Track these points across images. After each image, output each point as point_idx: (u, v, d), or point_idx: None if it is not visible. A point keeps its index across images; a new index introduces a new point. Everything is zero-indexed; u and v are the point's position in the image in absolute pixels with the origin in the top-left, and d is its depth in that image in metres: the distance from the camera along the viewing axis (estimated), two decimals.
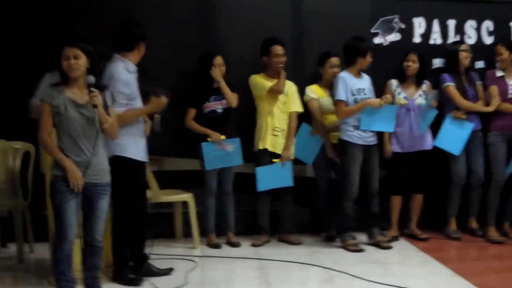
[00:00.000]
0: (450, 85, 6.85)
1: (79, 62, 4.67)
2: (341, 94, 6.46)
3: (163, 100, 5.46)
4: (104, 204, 4.86)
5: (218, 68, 6.61)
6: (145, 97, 5.53)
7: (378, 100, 6.47)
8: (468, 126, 6.83)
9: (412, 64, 6.79)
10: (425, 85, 6.89)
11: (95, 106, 4.67)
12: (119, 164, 5.25)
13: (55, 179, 4.67)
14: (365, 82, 6.60)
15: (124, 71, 5.42)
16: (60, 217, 4.67)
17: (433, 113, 6.74)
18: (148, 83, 5.58)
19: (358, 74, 6.58)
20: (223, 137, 6.57)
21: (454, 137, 6.83)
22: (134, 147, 5.44)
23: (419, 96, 6.81)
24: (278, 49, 6.67)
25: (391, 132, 6.73)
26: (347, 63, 6.59)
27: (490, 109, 6.88)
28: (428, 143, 6.87)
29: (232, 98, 6.61)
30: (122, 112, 5.27)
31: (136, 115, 5.45)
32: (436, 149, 6.91)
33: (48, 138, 4.69)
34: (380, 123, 6.52)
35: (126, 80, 5.39)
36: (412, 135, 6.79)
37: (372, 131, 6.55)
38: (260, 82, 6.72)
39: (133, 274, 5.62)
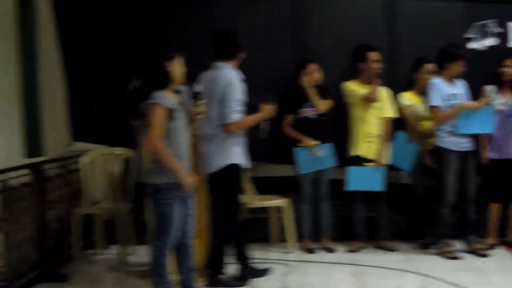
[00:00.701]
0: None
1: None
2: (435, 100, 6.41)
3: (274, 106, 5.59)
4: (193, 203, 5.04)
5: (310, 75, 6.67)
6: (252, 106, 5.66)
7: (473, 102, 6.38)
8: None
9: (509, 70, 6.66)
10: None
11: (200, 114, 4.81)
12: (230, 171, 5.49)
13: (166, 186, 4.79)
14: (458, 88, 6.51)
15: (237, 78, 5.59)
16: (168, 222, 4.84)
17: (491, 109, 6.55)
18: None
19: (450, 80, 6.50)
20: (315, 142, 6.63)
21: None
22: (243, 156, 5.65)
23: None
24: (374, 55, 6.68)
25: (489, 136, 6.60)
26: (440, 69, 6.54)
27: None
28: None
29: (319, 105, 6.65)
30: (241, 118, 5.48)
31: (254, 120, 5.63)
32: None
33: (163, 143, 4.76)
34: (478, 125, 6.40)
35: (241, 88, 5.56)
36: (510, 141, 6.66)
37: (468, 137, 6.46)
38: (353, 89, 6.74)
39: (237, 275, 5.80)
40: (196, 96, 4.93)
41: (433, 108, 6.44)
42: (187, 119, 4.95)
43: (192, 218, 5.09)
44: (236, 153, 5.57)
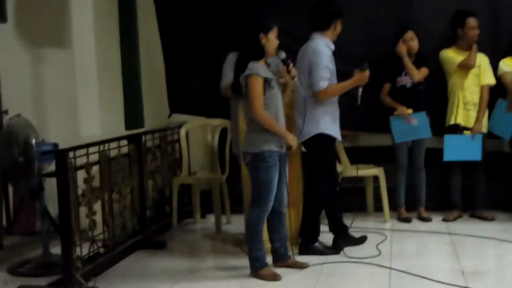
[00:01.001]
0: None
1: None
2: None
3: (366, 73, 5.56)
4: (287, 170, 5.11)
5: (407, 42, 6.58)
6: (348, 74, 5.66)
7: None
8: None
9: None
10: None
11: (293, 77, 4.89)
12: (320, 140, 5.54)
13: (269, 154, 4.91)
14: None
15: (327, 48, 5.61)
16: (269, 189, 4.94)
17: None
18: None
19: None
20: (410, 111, 6.56)
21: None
22: (334, 125, 5.65)
23: None
24: (473, 21, 6.52)
25: None
26: None
27: None
28: None
29: (415, 73, 6.55)
30: (330, 85, 5.51)
31: (344, 87, 5.63)
32: None
33: (266, 112, 4.90)
34: None
35: (329, 56, 5.59)
36: None
37: None
38: (451, 57, 6.61)
39: (334, 243, 5.82)
40: (284, 62, 4.97)
41: None
42: (280, 88, 5.03)
43: (286, 186, 5.15)
44: (326, 123, 5.57)
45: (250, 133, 5.02)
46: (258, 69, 4.87)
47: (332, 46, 5.65)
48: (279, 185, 5.01)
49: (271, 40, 4.93)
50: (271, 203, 4.97)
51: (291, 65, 4.97)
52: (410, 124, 6.56)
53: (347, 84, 5.59)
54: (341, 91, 5.61)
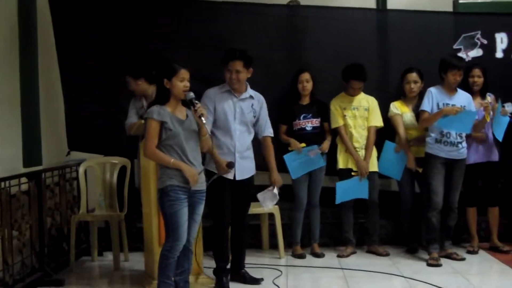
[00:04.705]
0: None
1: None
2: (425, 105, 6.59)
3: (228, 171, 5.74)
4: (201, 209, 5.25)
5: (302, 83, 6.84)
6: None
7: (453, 108, 6.46)
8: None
9: (478, 79, 6.86)
10: (490, 98, 6.91)
11: (202, 116, 5.06)
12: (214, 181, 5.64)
13: (171, 189, 5.02)
14: (459, 99, 6.62)
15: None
16: (177, 224, 5.02)
17: (506, 120, 6.76)
18: None
19: (451, 91, 6.64)
20: (302, 144, 6.79)
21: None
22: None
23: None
24: (357, 83, 6.90)
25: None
26: (440, 79, 6.67)
27: None
28: (496, 155, 6.93)
29: (325, 147, 6.91)
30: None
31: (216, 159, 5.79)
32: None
33: (158, 150, 5.05)
34: (456, 127, 6.49)
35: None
36: (480, 146, 6.90)
37: (457, 146, 6.57)
38: (334, 114, 6.96)
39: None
40: (191, 103, 5.12)
41: (421, 112, 6.64)
42: (194, 126, 5.18)
43: (197, 224, 5.28)
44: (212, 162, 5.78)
45: (159, 170, 5.18)
46: (153, 112, 5.03)
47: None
48: (189, 221, 5.11)
49: (175, 84, 5.08)
50: (181, 238, 5.04)
51: (197, 105, 5.12)
52: (305, 157, 6.78)
53: (218, 160, 5.72)
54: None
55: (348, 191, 6.87)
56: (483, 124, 6.70)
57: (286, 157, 6.81)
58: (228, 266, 6.02)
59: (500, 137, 6.76)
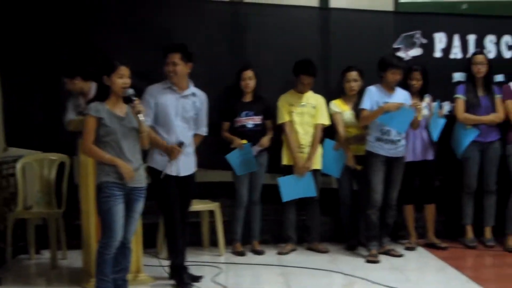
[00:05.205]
0: (458, 97, 7.04)
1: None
2: (364, 103, 6.65)
3: (178, 150, 5.72)
4: (140, 207, 5.21)
5: (245, 81, 6.87)
6: None
7: (395, 104, 6.51)
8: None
9: (417, 82, 6.97)
10: (428, 98, 7.06)
11: (139, 112, 5.03)
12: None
13: (106, 185, 5.00)
14: (397, 98, 6.66)
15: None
16: (111, 220, 4.99)
17: (442, 121, 6.91)
18: None
19: (390, 89, 6.70)
20: (244, 141, 6.80)
21: None
22: (165, 161, 5.75)
23: (424, 108, 6.93)
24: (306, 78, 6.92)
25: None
26: (380, 78, 6.74)
27: (491, 117, 7.01)
28: (431, 154, 7.06)
29: (265, 142, 6.93)
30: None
31: (157, 143, 5.79)
32: (449, 158, 7.15)
33: (94, 146, 5.03)
34: (395, 124, 6.55)
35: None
36: (419, 144, 7.02)
37: (396, 144, 6.66)
38: (281, 110, 6.98)
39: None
40: (128, 99, 5.10)
41: (361, 110, 6.69)
42: (134, 124, 5.13)
43: (136, 221, 5.24)
44: (156, 160, 5.78)
45: (96, 166, 5.16)
46: (91, 109, 5.03)
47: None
48: (126, 218, 5.08)
49: (114, 81, 5.06)
50: (116, 234, 5.01)
51: (135, 101, 5.09)
52: (247, 156, 6.79)
53: (161, 144, 5.74)
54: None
55: (294, 188, 6.88)
56: (416, 123, 6.75)
57: (229, 156, 6.81)
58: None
59: (435, 138, 6.91)
